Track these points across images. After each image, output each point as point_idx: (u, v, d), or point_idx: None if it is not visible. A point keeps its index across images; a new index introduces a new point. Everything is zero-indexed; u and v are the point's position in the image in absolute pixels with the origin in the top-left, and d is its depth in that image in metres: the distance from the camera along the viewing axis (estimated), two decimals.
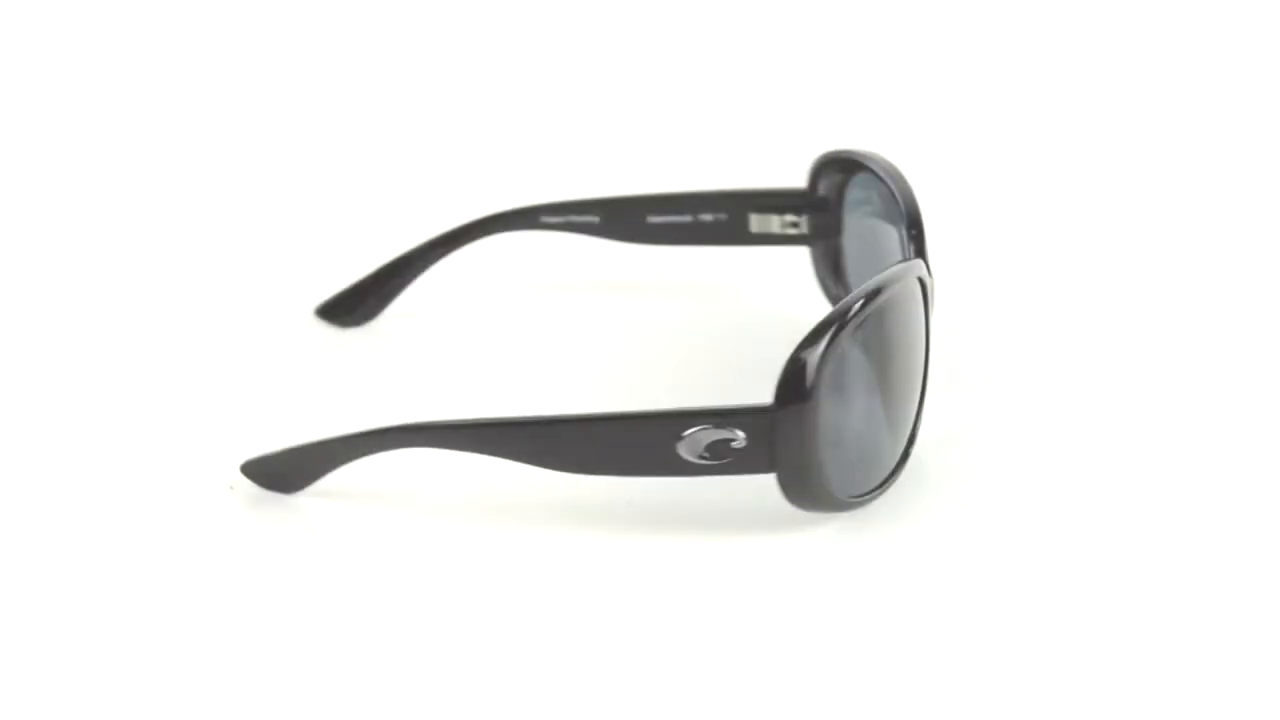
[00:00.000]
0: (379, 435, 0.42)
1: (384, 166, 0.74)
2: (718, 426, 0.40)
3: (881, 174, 0.49)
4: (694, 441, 0.40)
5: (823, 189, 0.53)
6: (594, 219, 0.56)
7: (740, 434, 0.40)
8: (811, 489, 0.40)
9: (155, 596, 0.40)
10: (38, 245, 0.66)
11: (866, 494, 0.42)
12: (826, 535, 0.42)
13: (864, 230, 0.52)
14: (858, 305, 0.40)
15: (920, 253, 0.45)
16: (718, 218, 0.55)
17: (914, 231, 0.45)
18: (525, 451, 0.41)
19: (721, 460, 0.40)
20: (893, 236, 0.50)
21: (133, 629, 0.39)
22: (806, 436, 0.40)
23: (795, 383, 0.39)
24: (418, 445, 0.42)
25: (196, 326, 0.57)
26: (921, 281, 0.44)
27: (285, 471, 0.44)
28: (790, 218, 0.54)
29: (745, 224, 0.55)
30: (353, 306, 0.57)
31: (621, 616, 0.39)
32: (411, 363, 0.55)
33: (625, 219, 0.56)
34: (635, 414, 0.40)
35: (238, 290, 0.60)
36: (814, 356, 0.39)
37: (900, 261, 0.44)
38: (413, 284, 0.57)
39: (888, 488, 0.43)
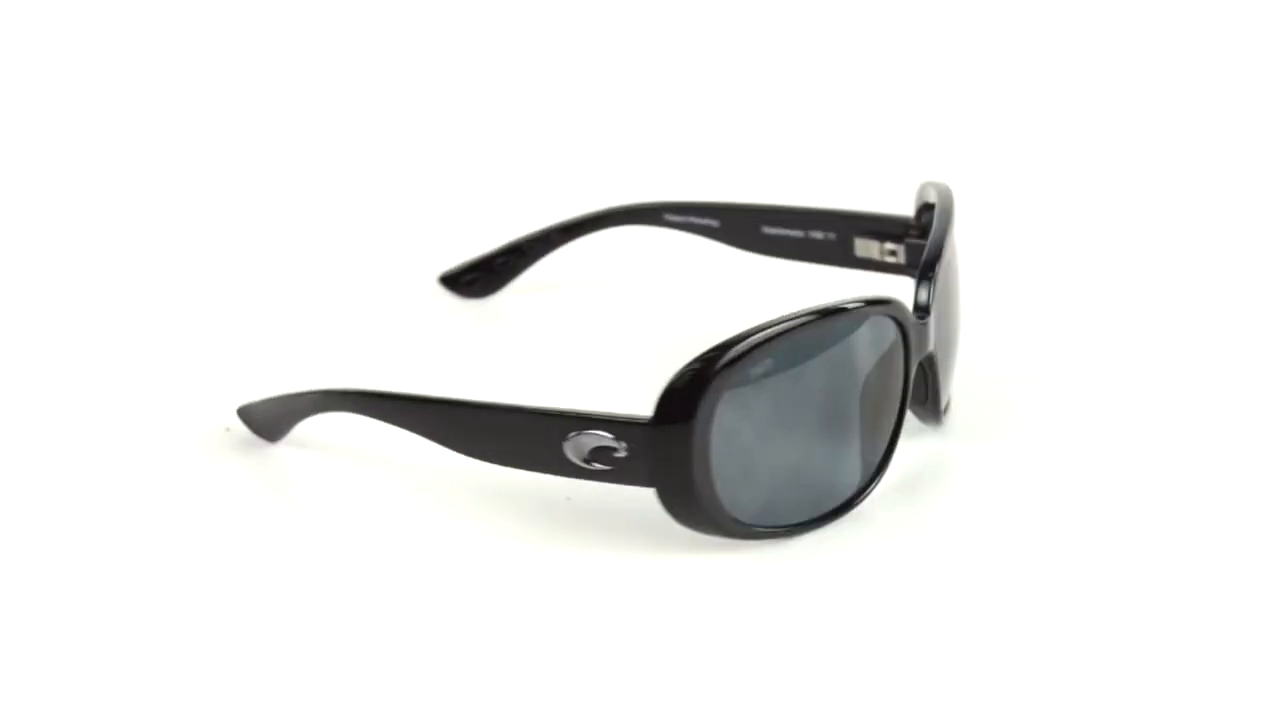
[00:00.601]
0: (323, 396, 0.43)
1: (534, 150, 0.76)
2: (601, 432, 0.38)
3: (938, 209, 0.46)
4: (579, 444, 0.39)
5: (925, 219, 0.50)
6: (713, 223, 0.55)
7: (622, 444, 0.38)
8: (694, 510, 0.38)
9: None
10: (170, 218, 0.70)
11: (792, 525, 0.40)
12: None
13: (950, 267, 0.48)
14: (762, 334, 0.38)
15: (923, 299, 0.42)
16: (826, 236, 0.52)
17: (926, 274, 0.42)
18: (434, 431, 0.41)
19: (605, 467, 0.39)
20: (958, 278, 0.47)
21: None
22: (687, 456, 0.38)
23: (675, 400, 0.37)
24: (350, 410, 0.43)
25: (331, 279, 0.60)
26: (900, 323, 0.41)
27: (263, 420, 0.46)
28: (890, 246, 0.51)
29: (850, 247, 0.52)
30: (474, 279, 0.58)
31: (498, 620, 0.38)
32: (515, 340, 0.56)
33: (741, 226, 0.54)
34: (526, 408, 0.39)
35: (376, 249, 0.63)
36: (699, 376, 0.37)
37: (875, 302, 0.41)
38: (535, 265, 0.58)
39: (832, 520, 0.41)
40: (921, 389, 0.43)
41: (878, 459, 0.41)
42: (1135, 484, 0.43)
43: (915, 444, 0.44)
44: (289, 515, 0.44)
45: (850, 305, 0.40)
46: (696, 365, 0.38)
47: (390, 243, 0.64)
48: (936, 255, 0.43)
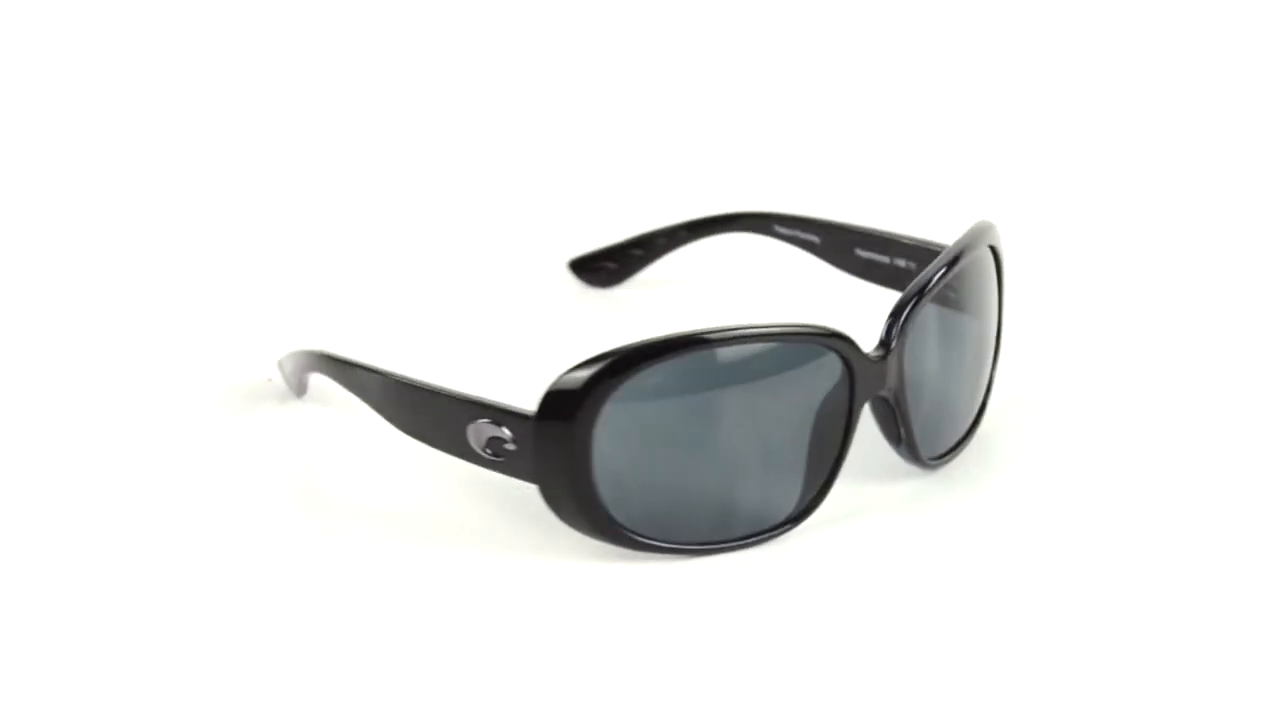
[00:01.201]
0: (305, 356, 0.46)
1: (669, 148, 0.77)
2: (495, 422, 0.39)
3: (949, 249, 0.44)
4: (479, 431, 0.39)
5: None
6: (814, 239, 0.54)
7: (510, 436, 0.38)
8: (573, 511, 0.38)
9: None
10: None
11: (694, 545, 0.39)
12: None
13: (952, 307, 0.46)
14: (657, 345, 0.37)
15: (884, 336, 0.40)
16: (908, 265, 0.51)
17: (896, 312, 0.41)
18: (374, 401, 0.42)
19: (497, 458, 0.39)
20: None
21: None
22: (567, 456, 0.37)
23: (556, 400, 0.37)
24: (320, 372, 0.45)
25: (472, 257, 0.62)
26: (845, 359, 0.39)
27: (286, 376, 0.48)
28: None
29: None
30: (600, 268, 0.59)
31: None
32: (629, 329, 0.56)
33: (838, 246, 0.53)
34: (439, 390, 0.40)
35: (516, 231, 0.65)
36: (585, 380, 0.37)
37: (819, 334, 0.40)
38: (657, 261, 0.59)
39: (747, 547, 0.39)
40: (893, 428, 0.41)
41: (809, 495, 0.40)
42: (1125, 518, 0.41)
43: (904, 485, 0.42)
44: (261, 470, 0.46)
45: (786, 331, 0.39)
46: (584, 367, 0.37)
47: (530, 226, 0.66)
48: (915, 294, 0.41)
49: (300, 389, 0.48)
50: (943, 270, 0.42)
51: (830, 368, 0.39)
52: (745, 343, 0.38)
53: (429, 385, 0.40)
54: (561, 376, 0.37)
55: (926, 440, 0.42)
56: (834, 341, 0.39)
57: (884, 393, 0.40)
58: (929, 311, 0.42)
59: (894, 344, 0.40)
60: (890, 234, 0.52)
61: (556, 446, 0.38)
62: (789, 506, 0.40)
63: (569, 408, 0.37)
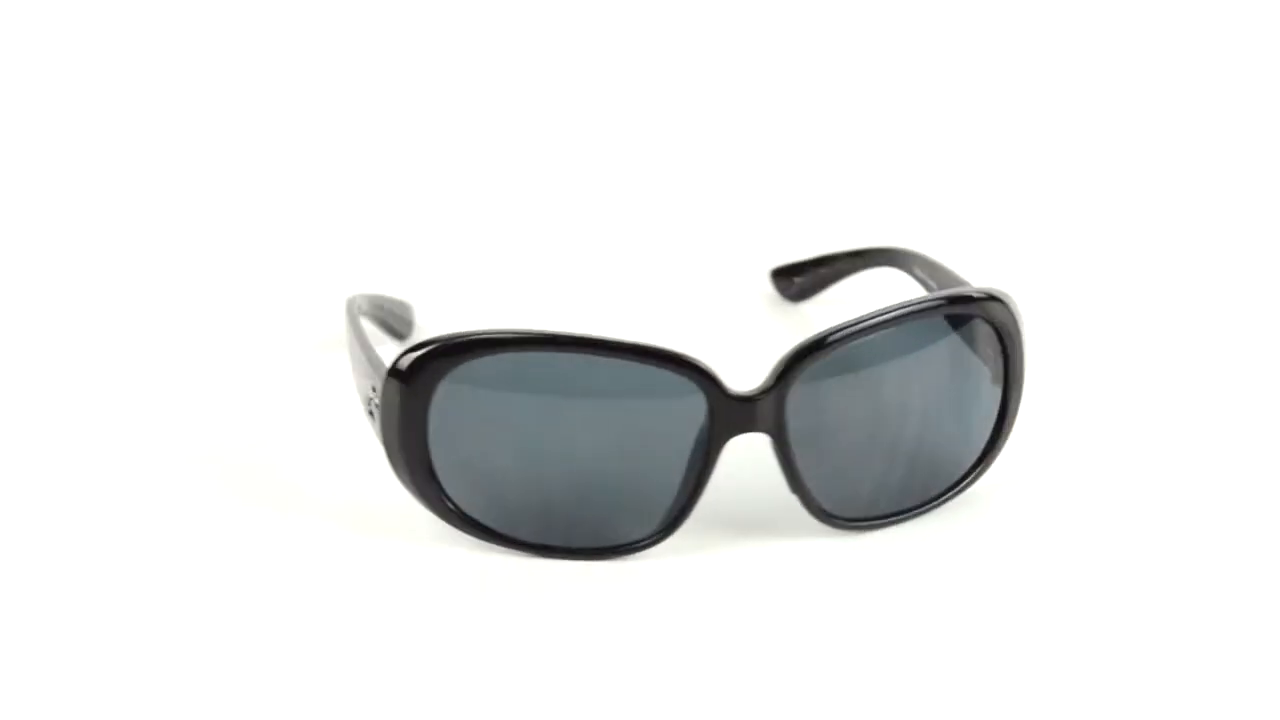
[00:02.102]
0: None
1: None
2: (372, 381, 0.40)
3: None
4: (364, 387, 0.41)
5: None
6: (931, 283, 0.52)
7: (376, 393, 0.40)
8: (407, 477, 0.40)
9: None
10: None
11: (535, 543, 0.40)
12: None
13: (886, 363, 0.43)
14: (503, 336, 0.39)
15: (765, 383, 0.39)
16: None
17: (784, 364, 0.40)
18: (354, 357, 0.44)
19: (370, 415, 0.41)
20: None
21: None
22: (404, 421, 0.39)
23: (402, 361, 0.39)
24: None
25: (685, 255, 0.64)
26: (706, 395, 0.39)
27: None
28: None
29: None
30: (794, 279, 0.60)
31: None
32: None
33: None
34: (367, 341, 0.42)
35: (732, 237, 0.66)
36: (430, 348, 0.38)
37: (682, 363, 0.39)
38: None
39: (590, 559, 0.40)
40: (792, 480, 0.40)
41: (662, 522, 0.40)
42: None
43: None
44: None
45: (642, 352, 0.39)
46: (433, 342, 0.39)
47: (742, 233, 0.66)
48: (816, 343, 0.40)
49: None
50: (860, 326, 0.40)
51: (692, 399, 0.39)
52: (595, 353, 0.39)
53: (364, 337, 0.43)
54: (414, 346, 0.39)
55: (832, 497, 0.41)
56: (692, 373, 0.39)
57: (757, 433, 0.40)
58: (854, 364, 0.40)
59: (774, 388, 0.39)
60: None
61: (395, 412, 0.39)
62: (638, 529, 0.40)
63: (407, 376, 0.39)
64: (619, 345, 0.39)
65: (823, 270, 0.59)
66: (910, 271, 0.54)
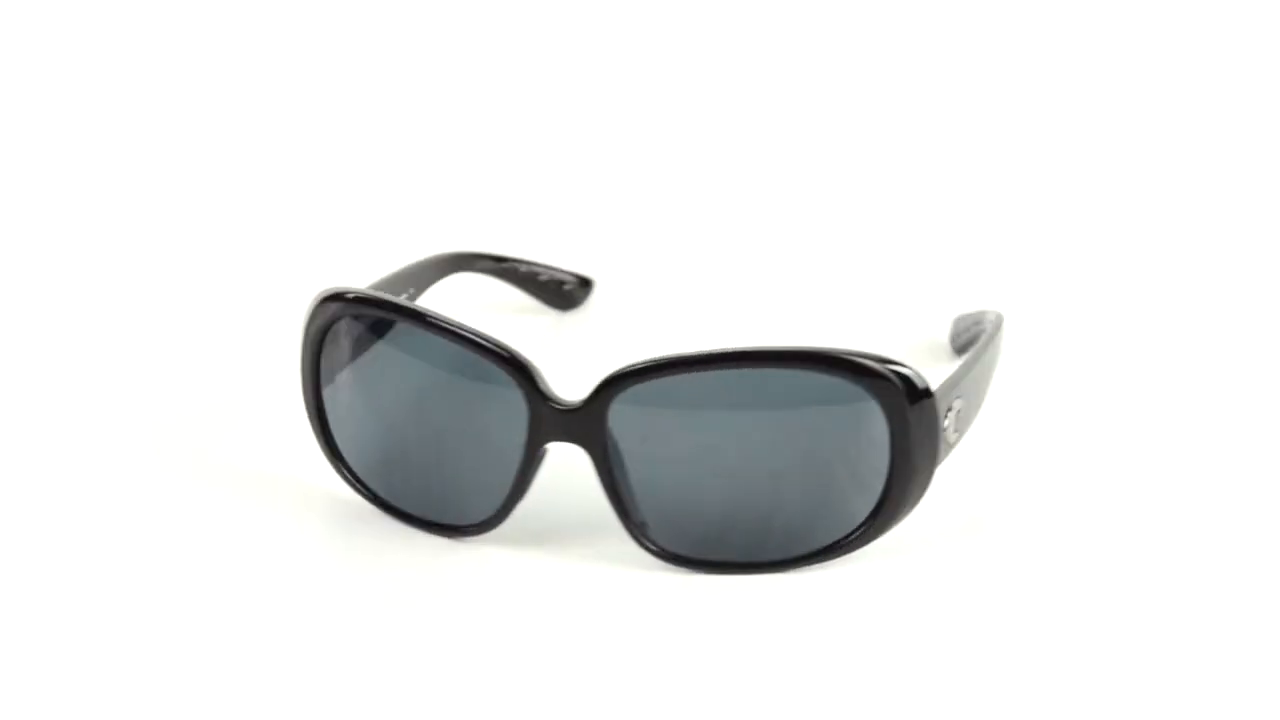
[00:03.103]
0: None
1: None
2: None
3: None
4: None
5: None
6: None
7: None
8: (317, 436, 0.43)
9: None
10: None
11: (392, 503, 0.42)
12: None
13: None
14: (364, 307, 0.42)
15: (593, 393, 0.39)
16: None
17: (612, 379, 0.39)
18: None
19: None
20: None
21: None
22: (305, 381, 0.43)
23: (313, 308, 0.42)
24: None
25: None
26: (526, 396, 0.40)
27: None
28: None
29: None
30: None
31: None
32: None
33: None
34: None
35: None
36: (315, 311, 0.42)
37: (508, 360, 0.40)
38: None
39: (439, 533, 0.41)
40: (612, 499, 0.40)
41: (491, 509, 0.41)
42: None
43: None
44: None
45: (475, 341, 0.40)
46: (334, 290, 0.42)
47: None
48: (656, 367, 0.39)
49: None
50: (697, 359, 0.39)
51: (517, 398, 0.40)
52: (441, 335, 0.40)
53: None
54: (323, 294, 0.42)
55: (659, 528, 0.40)
56: (514, 372, 0.40)
57: (575, 446, 0.40)
58: (689, 397, 0.39)
59: (592, 403, 0.39)
60: None
61: (302, 353, 0.43)
62: (471, 515, 0.41)
63: (305, 330, 0.42)
64: (457, 330, 0.40)
65: None
66: None
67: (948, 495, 0.42)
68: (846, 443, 0.39)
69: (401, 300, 0.42)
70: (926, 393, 0.39)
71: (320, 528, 0.43)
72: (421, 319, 0.41)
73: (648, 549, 0.40)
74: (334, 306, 0.42)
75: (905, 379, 0.38)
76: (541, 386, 0.39)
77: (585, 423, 0.39)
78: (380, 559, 0.41)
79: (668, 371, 0.39)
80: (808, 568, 0.40)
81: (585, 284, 0.62)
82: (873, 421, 0.39)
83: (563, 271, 0.61)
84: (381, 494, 0.43)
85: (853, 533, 0.40)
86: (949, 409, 0.40)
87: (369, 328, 0.42)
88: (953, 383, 0.41)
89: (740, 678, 0.35)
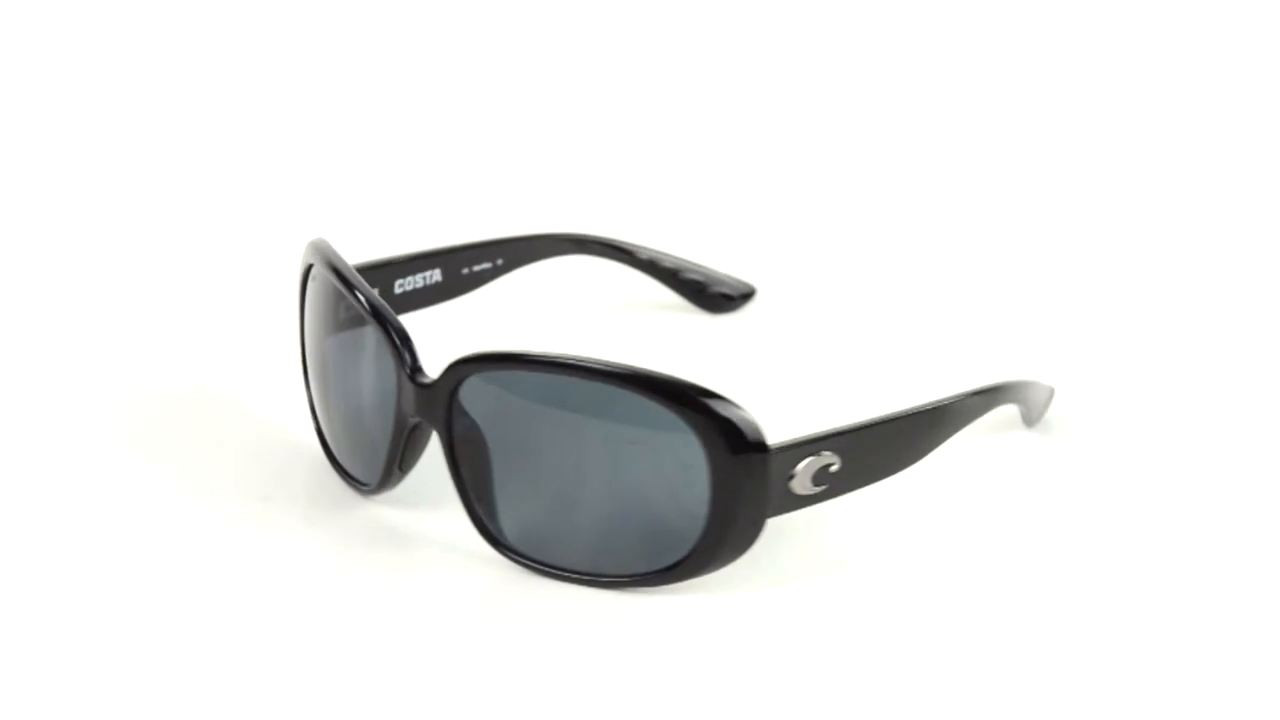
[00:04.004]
0: None
1: None
2: None
3: None
4: None
5: None
6: None
7: None
8: None
9: None
10: None
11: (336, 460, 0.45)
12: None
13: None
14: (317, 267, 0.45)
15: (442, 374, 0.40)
16: None
17: (459, 363, 0.40)
18: None
19: None
20: None
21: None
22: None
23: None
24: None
25: None
26: (398, 376, 0.41)
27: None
28: None
29: None
30: None
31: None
32: None
33: None
34: None
35: None
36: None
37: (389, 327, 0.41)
38: None
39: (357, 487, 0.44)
40: (457, 485, 0.40)
41: (378, 472, 0.42)
42: None
43: None
44: None
45: (373, 309, 0.42)
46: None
47: None
48: (478, 357, 0.39)
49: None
50: (543, 360, 0.39)
51: (393, 368, 0.41)
52: (352, 296, 0.42)
53: None
54: None
55: (502, 523, 0.40)
56: (390, 340, 0.41)
57: (424, 424, 0.41)
58: (536, 394, 0.39)
59: (439, 383, 0.40)
60: None
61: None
62: (366, 474, 0.43)
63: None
64: (360, 296, 0.42)
65: None
66: None
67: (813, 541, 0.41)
68: (671, 476, 0.38)
69: (339, 262, 0.44)
70: (757, 445, 0.37)
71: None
72: (344, 281, 0.43)
73: (486, 539, 0.41)
74: (310, 264, 0.45)
75: (729, 426, 0.37)
76: (408, 360, 0.41)
77: (434, 402, 0.40)
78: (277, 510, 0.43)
79: (513, 365, 0.39)
80: (629, 590, 0.39)
81: (746, 295, 0.61)
82: (696, 462, 0.38)
83: (720, 276, 0.61)
84: (326, 440, 0.45)
85: (670, 567, 0.39)
86: (802, 462, 0.38)
87: (330, 289, 0.44)
88: (817, 439, 0.39)
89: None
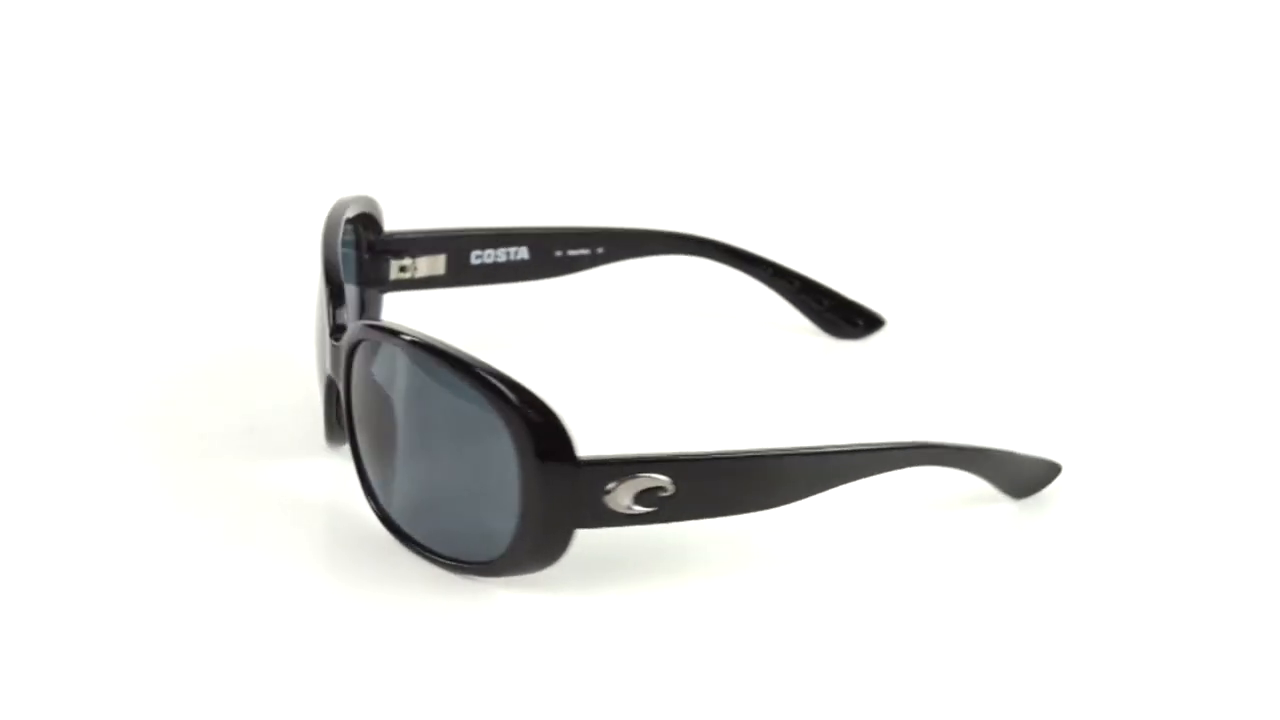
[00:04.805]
0: None
1: None
2: None
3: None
4: None
5: None
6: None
7: None
8: None
9: None
10: None
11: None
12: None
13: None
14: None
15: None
16: None
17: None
18: None
19: None
20: None
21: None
22: None
23: None
24: None
25: None
26: (328, 325, 0.43)
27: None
28: None
29: None
30: None
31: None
32: None
33: None
34: None
35: None
36: None
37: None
38: None
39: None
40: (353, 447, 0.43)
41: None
42: None
43: None
44: None
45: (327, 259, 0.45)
46: None
47: None
48: (373, 326, 0.41)
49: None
50: (404, 339, 0.40)
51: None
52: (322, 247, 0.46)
53: None
54: None
55: (383, 491, 0.42)
56: (329, 289, 0.44)
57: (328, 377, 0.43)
58: (400, 372, 0.41)
59: (343, 345, 0.42)
60: None
61: None
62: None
63: None
64: (326, 246, 0.45)
65: None
66: None
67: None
68: (496, 473, 0.39)
69: (331, 219, 0.47)
70: (565, 454, 0.38)
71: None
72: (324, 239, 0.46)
73: (370, 502, 0.43)
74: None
75: (539, 432, 0.38)
76: (337, 316, 0.43)
77: (337, 362, 0.42)
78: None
79: (390, 338, 0.41)
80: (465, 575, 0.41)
81: (874, 322, 0.59)
82: (510, 463, 0.39)
83: (847, 301, 0.59)
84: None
85: (489, 562, 0.40)
86: (623, 480, 0.39)
87: None
88: (641, 460, 0.39)
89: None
